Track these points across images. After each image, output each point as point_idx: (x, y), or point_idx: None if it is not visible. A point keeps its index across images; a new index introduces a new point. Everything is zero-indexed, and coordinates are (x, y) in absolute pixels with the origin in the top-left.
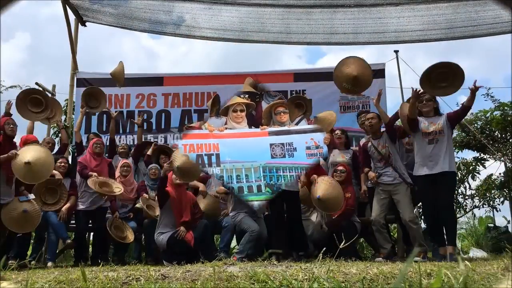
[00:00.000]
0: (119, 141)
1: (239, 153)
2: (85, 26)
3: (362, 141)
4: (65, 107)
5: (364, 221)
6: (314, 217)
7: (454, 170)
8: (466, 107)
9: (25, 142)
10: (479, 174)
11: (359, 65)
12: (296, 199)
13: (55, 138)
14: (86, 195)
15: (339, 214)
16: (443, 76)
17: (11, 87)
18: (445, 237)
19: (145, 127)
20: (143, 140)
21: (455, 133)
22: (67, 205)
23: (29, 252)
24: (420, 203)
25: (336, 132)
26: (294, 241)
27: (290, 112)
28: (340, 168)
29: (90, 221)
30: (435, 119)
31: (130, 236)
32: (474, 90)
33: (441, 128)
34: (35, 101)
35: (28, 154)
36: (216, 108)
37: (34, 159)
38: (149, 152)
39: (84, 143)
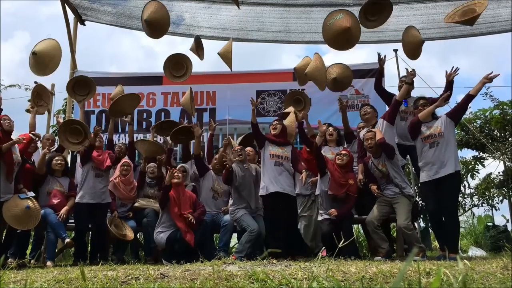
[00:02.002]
0: (118, 140)
1: None
2: (84, 25)
3: (362, 133)
4: (64, 106)
5: (360, 220)
6: (315, 214)
7: (459, 169)
8: (471, 96)
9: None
10: (478, 173)
11: (357, 25)
12: (293, 203)
13: (55, 136)
14: (88, 187)
15: (343, 200)
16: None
17: (10, 86)
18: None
19: (144, 126)
20: (140, 139)
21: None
22: (66, 207)
23: (28, 251)
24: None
25: (328, 129)
26: (291, 244)
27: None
28: (344, 152)
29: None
30: (433, 123)
31: (130, 234)
32: (490, 79)
33: (440, 130)
34: None
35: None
36: (201, 52)
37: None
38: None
39: None
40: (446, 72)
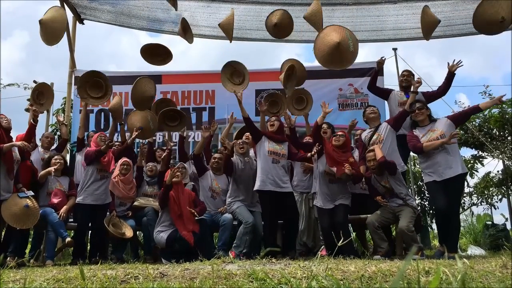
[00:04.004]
0: (117, 139)
1: None
2: (83, 24)
3: (364, 134)
4: (63, 105)
5: (356, 220)
6: (314, 216)
7: (466, 170)
8: (478, 109)
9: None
10: (477, 172)
11: (343, 33)
12: (292, 199)
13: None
14: (92, 189)
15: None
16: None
17: (9, 85)
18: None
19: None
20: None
21: None
22: (66, 206)
23: (27, 251)
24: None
25: (322, 126)
26: (287, 241)
27: (290, 106)
28: (340, 133)
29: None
30: (432, 126)
31: (129, 233)
32: (502, 102)
33: (442, 132)
34: None
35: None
36: (189, 35)
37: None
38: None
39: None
40: (448, 63)
